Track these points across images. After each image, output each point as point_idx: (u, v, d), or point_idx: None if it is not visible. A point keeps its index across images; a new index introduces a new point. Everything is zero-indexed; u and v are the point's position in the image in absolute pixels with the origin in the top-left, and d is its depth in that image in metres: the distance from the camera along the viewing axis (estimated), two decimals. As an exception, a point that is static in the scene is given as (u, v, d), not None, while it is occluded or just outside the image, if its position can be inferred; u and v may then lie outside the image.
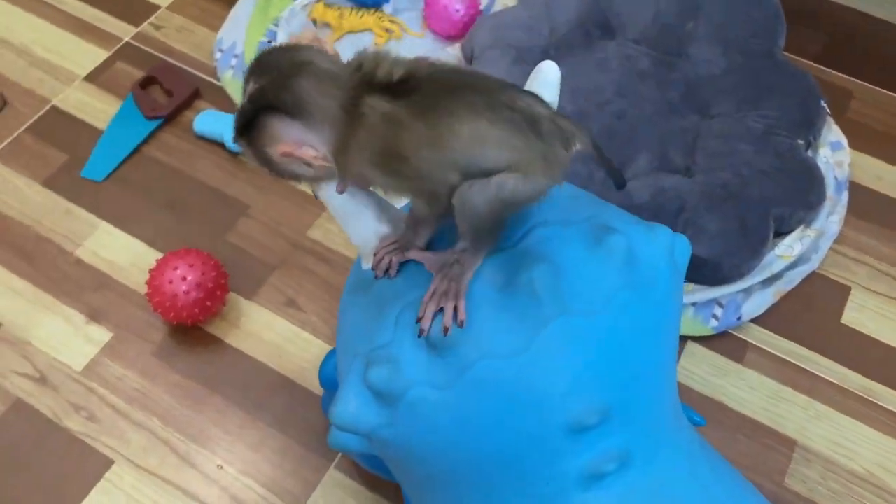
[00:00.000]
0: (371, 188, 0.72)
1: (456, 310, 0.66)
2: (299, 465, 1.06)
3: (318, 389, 1.12)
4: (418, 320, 0.68)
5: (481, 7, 1.49)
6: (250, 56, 1.42)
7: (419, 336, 0.67)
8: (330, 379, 0.94)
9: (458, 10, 1.43)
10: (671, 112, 1.31)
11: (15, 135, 1.36)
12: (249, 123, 0.62)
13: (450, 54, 1.45)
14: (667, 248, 0.69)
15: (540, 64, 0.71)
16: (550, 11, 1.40)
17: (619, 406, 0.66)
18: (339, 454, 1.06)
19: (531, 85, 0.72)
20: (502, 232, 0.67)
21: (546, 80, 0.70)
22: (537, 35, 1.38)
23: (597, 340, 0.65)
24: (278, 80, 0.61)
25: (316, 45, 0.65)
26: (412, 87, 0.61)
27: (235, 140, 0.64)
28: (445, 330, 0.65)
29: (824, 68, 1.50)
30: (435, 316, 0.67)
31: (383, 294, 0.73)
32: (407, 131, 0.60)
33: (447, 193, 0.63)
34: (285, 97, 0.61)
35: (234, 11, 1.49)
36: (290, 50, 0.63)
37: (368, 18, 1.46)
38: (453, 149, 0.61)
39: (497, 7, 1.52)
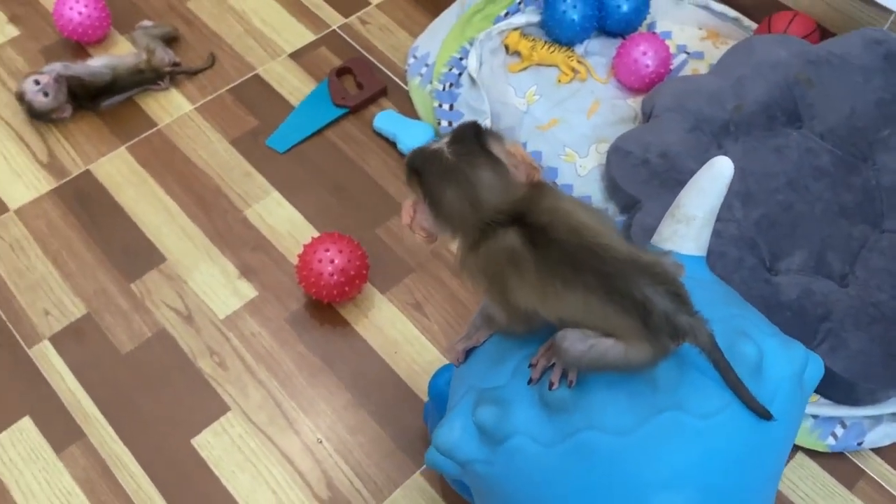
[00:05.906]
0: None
1: (567, 370, 0.70)
2: (387, 460, 1.12)
3: (422, 394, 1.17)
4: (530, 366, 0.72)
5: (671, 67, 1.49)
6: (440, 69, 1.50)
7: (528, 383, 0.71)
8: (439, 392, 0.98)
9: (647, 66, 1.44)
10: (841, 215, 1.27)
11: (218, 93, 1.50)
12: (411, 173, 0.73)
13: (629, 106, 1.46)
14: (798, 368, 0.69)
15: (714, 158, 0.72)
16: (741, 86, 1.38)
17: (710, 510, 0.66)
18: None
19: (700, 176, 0.73)
20: None
21: (718, 175, 0.71)
22: (720, 108, 1.37)
23: (702, 443, 0.66)
24: (444, 175, 0.70)
25: (510, 157, 0.71)
26: (546, 239, 0.67)
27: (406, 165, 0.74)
28: (550, 385, 0.69)
29: None
30: (546, 368, 0.71)
31: (507, 338, 0.76)
32: (520, 274, 0.68)
33: (530, 321, 0.70)
34: (433, 194, 0.71)
35: (435, 23, 1.57)
36: (479, 152, 0.70)
37: (558, 55, 1.50)
38: (553, 307, 0.68)
39: (687, 71, 1.52)
